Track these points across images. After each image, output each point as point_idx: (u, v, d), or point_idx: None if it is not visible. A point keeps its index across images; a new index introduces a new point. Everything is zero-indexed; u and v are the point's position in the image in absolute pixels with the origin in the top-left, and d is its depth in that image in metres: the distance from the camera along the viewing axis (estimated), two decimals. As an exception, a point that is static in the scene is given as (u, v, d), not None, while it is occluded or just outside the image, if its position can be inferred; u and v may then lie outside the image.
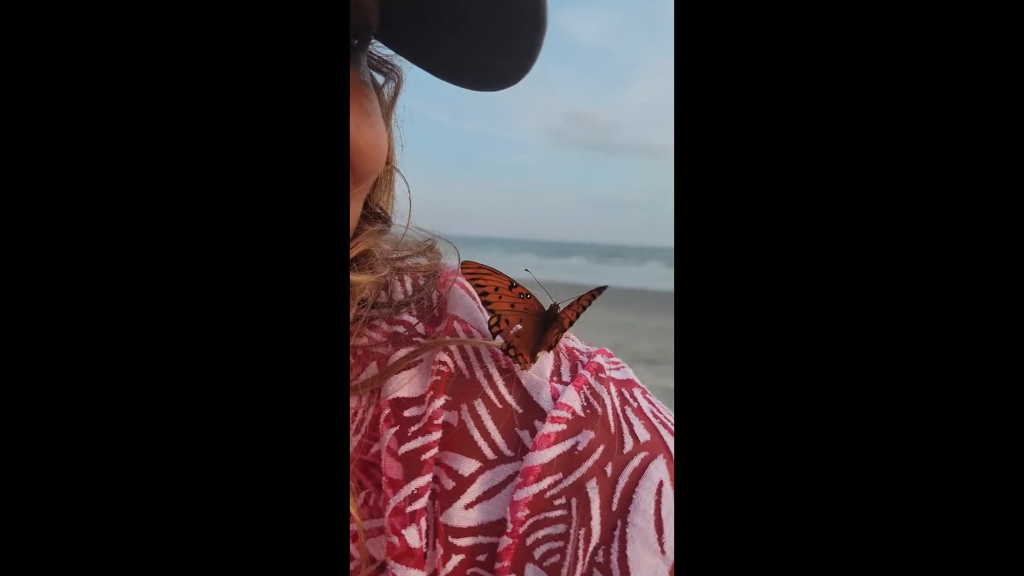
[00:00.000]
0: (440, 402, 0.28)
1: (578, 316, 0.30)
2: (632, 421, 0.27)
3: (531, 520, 0.25)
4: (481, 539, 0.26)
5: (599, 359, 0.30)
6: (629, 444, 0.27)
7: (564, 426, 0.27)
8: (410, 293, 0.32)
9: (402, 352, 0.29)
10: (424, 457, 0.27)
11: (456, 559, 0.26)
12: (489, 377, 0.29)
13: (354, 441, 0.28)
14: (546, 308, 0.31)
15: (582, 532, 0.25)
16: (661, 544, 0.25)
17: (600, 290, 0.30)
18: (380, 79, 0.31)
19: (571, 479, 0.26)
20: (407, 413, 0.28)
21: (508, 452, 0.27)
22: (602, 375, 0.29)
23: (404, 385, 0.28)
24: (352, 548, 0.27)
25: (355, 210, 0.28)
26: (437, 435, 0.27)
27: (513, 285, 0.31)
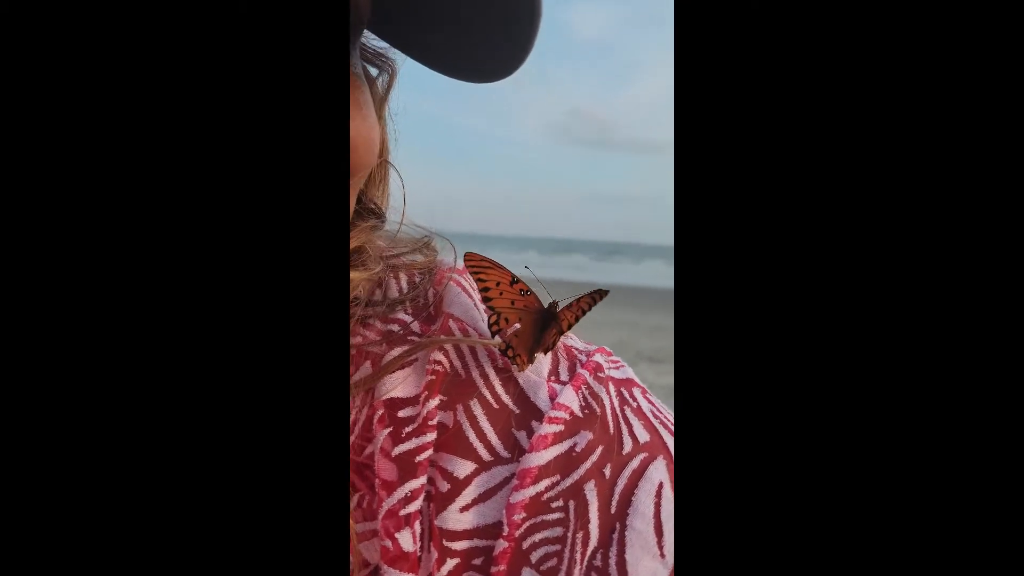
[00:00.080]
0: (435, 402, 0.27)
1: (577, 320, 0.30)
2: (631, 421, 0.27)
3: (528, 523, 0.25)
4: (477, 542, 0.25)
5: (598, 358, 0.29)
6: (628, 445, 0.26)
7: (562, 427, 0.26)
8: (405, 291, 0.31)
9: (396, 351, 0.28)
10: (418, 459, 0.26)
11: (451, 563, 0.25)
12: (485, 377, 0.28)
13: None
14: (545, 307, 0.31)
15: (580, 535, 0.24)
16: (661, 548, 0.24)
17: (601, 294, 0.29)
18: (374, 72, 0.30)
19: (569, 481, 0.25)
20: (401, 414, 0.27)
21: (504, 453, 0.26)
22: (601, 374, 0.28)
23: (398, 385, 0.28)
24: None
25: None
26: (432, 436, 0.26)
27: (514, 281, 0.30)
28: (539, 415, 0.27)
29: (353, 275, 0.28)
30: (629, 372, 0.29)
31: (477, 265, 0.30)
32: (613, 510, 0.25)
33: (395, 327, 0.30)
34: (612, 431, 0.26)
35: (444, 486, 0.26)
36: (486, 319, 0.30)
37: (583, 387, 0.27)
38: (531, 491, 0.25)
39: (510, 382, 0.28)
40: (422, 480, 0.26)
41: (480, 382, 0.28)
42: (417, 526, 0.26)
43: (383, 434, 0.27)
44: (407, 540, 0.25)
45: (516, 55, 0.27)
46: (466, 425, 0.27)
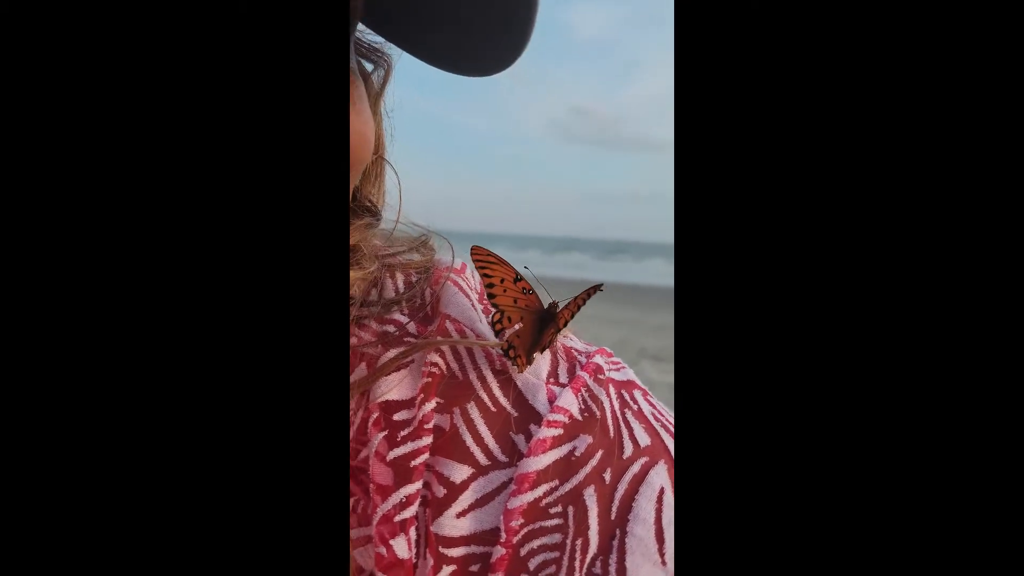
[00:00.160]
0: (431, 405, 0.26)
1: (572, 316, 0.29)
2: (632, 425, 0.26)
3: (526, 529, 0.24)
4: (474, 549, 0.25)
5: (598, 359, 0.28)
6: (629, 449, 0.25)
7: (561, 430, 0.25)
8: (401, 291, 0.30)
9: (392, 353, 0.28)
10: (414, 463, 0.25)
11: (447, 570, 0.25)
12: (483, 379, 0.27)
13: None
14: (545, 307, 0.30)
15: (579, 542, 0.24)
16: (662, 555, 0.23)
17: (596, 288, 0.29)
18: (369, 67, 0.29)
19: (568, 486, 0.25)
20: (397, 417, 0.27)
21: (502, 458, 0.26)
22: (601, 376, 0.27)
23: (394, 387, 0.27)
24: None
25: None
26: (428, 440, 0.26)
27: (518, 278, 0.30)
28: (537, 418, 0.26)
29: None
30: (630, 374, 0.29)
31: (483, 260, 0.30)
32: (613, 516, 0.24)
33: (391, 328, 0.29)
34: (612, 435, 0.26)
35: (440, 491, 0.25)
36: (484, 319, 0.29)
37: (583, 389, 0.27)
38: (529, 496, 0.24)
39: (508, 384, 0.27)
40: (418, 485, 0.25)
41: (477, 384, 0.27)
42: (412, 532, 0.25)
43: (378, 437, 0.26)
44: (402, 547, 0.25)
45: (513, 48, 0.26)
46: (463, 428, 0.26)
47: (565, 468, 0.25)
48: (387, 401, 0.27)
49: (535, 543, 0.24)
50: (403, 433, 0.26)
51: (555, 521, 0.24)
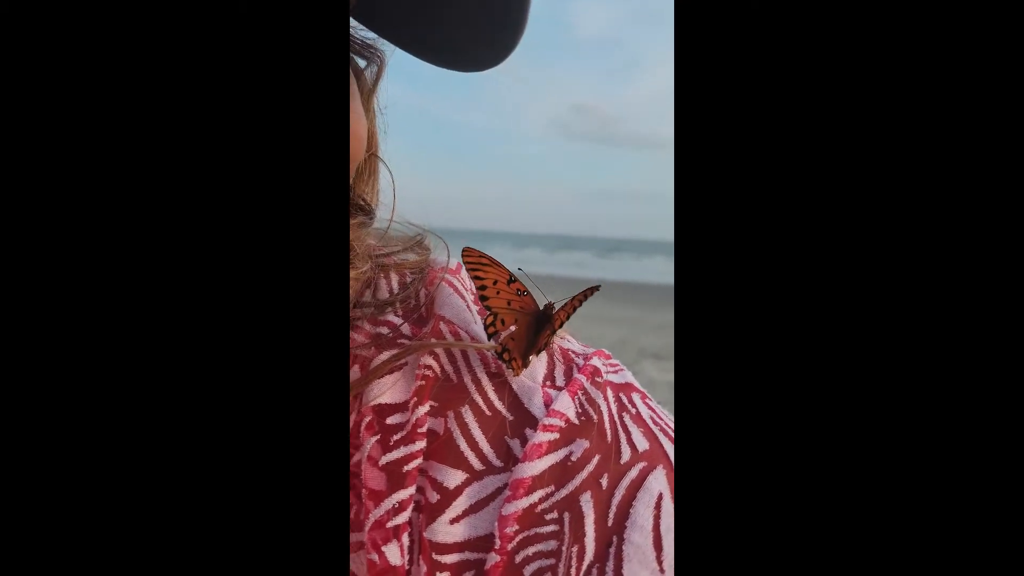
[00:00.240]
0: (425, 409, 0.26)
1: (568, 317, 0.28)
2: (630, 429, 0.26)
3: (520, 536, 0.24)
4: (468, 555, 0.24)
5: (596, 362, 0.28)
6: (627, 454, 0.25)
7: (557, 435, 0.25)
8: (395, 291, 0.30)
9: (385, 355, 0.27)
10: (407, 468, 0.25)
11: None
12: (477, 382, 0.27)
13: None
14: (540, 308, 0.30)
15: (575, 549, 0.23)
16: (660, 562, 0.23)
17: (593, 289, 0.28)
18: (361, 63, 0.29)
19: (564, 492, 0.24)
20: (390, 420, 0.26)
21: (497, 462, 0.25)
22: (599, 379, 0.27)
23: (387, 390, 0.26)
24: None
25: None
26: (421, 444, 0.25)
27: (511, 280, 0.29)
28: (533, 422, 0.25)
29: None
30: (628, 376, 0.28)
31: (475, 262, 0.29)
32: (610, 523, 0.24)
33: (384, 330, 0.28)
34: (610, 439, 0.25)
35: (434, 496, 0.25)
36: (479, 321, 0.29)
37: (580, 392, 0.26)
38: (524, 502, 0.24)
39: (503, 387, 0.27)
40: (411, 490, 0.25)
41: (472, 387, 0.27)
42: (405, 538, 0.25)
43: (371, 442, 0.26)
44: (394, 553, 0.24)
45: (506, 42, 0.26)
46: (457, 433, 0.26)
47: (561, 473, 0.24)
48: (380, 404, 0.26)
49: (530, 550, 0.24)
50: (396, 437, 0.25)
51: (551, 528, 0.24)
